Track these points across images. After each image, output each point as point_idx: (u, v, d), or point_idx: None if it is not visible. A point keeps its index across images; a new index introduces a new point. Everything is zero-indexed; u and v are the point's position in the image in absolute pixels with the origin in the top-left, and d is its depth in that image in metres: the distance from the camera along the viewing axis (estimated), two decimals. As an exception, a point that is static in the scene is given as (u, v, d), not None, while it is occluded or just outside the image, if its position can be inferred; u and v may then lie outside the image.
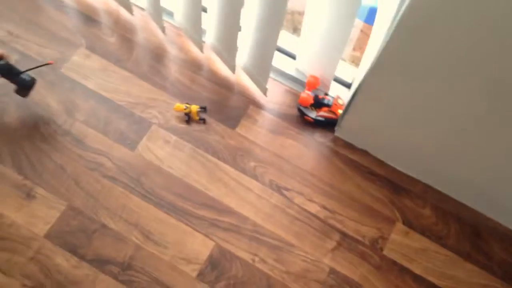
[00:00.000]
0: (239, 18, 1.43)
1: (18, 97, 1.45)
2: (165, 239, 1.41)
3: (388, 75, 1.26)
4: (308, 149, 1.60)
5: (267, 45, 1.46)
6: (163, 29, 1.70)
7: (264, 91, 1.61)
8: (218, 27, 1.56)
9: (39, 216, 1.40)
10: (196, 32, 1.62)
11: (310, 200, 1.51)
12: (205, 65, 1.69)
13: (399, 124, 1.43)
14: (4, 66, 1.35)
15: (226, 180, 1.51)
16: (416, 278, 1.44)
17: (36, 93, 1.56)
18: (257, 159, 1.56)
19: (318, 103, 1.60)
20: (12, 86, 1.42)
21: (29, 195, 1.42)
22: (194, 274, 1.38)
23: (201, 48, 1.68)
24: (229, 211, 1.47)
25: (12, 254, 1.35)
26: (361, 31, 1.77)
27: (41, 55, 1.63)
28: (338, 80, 1.67)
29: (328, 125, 1.62)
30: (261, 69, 1.56)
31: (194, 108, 1.56)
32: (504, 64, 1.02)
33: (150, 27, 1.73)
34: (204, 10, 1.57)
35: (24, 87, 1.43)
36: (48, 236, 1.38)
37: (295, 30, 1.83)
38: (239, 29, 1.50)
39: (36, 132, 1.51)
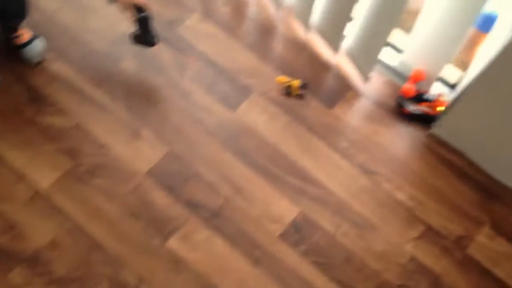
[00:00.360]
0: (351, 9, 1.50)
1: (136, 47, 1.56)
2: (253, 197, 1.47)
3: (501, 81, 1.28)
4: (401, 140, 1.62)
5: (378, 38, 1.51)
6: (277, 6, 1.79)
7: (366, 79, 1.65)
8: (328, 13, 1.63)
9: (143, 155, 1.50)
10: (305, 13, 1.69)
11: (399, 189, 1.53)
12: (308, 46, 1.75)
13: (503, 131, 1.43)
14: (146, 18, 1.46)
15: (317, 154, 1.56)
16: (498, 282, 1.41)
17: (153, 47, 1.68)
18: (350, 141, 1.59)
19: (419, 98, 1.62)
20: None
21: (137, 135, 1.53)
22: (277, 233, 1.43)
23: (307, 29, 1.74)
24: (317, 183, 1.51)
25: (115, 183, 1.45)
26: (470, 36, 1.78)
27: (160, 15, 1.75)
28: (441, 80, 1.68)
29: (424, 120, 1.64)
30: (367, 59, 1.61)
31: (296, 83, 1.63)
32: None
33: (262, 3, 1.82)
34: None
35: (145, 42, 1.53)
36: (149, 173, 1.47)
37: (402, 26, 1.87)
38: (349, 19, 1.56)
39: (147, 82, 1.62)
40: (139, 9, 1.42)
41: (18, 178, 1.43)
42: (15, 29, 1.53)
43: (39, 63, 1.59)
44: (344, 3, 1.54)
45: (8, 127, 1.49)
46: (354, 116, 1.65)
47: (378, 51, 1.55)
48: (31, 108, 1.52)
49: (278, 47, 1.74)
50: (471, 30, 1.69)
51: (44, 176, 1.43)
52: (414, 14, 1.54)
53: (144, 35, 1.50)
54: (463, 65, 1.68)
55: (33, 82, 1.56)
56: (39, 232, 1.37)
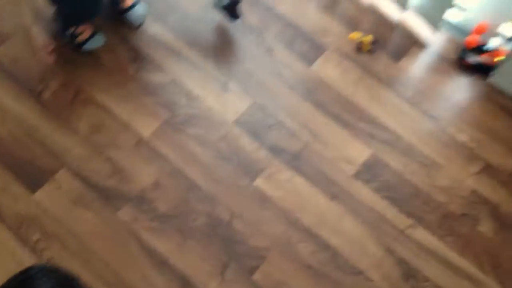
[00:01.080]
0: None
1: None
2: (329, 141, 1.65)
3: None
4: (463, 89, 1.77)
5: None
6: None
7: (437, 28, 1.79)
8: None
9: (231, 106, 1.69)
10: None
11: (461, 131, 1.68)
12: (374, 7, 1.89)
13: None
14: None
15: (386, 103, 1.72)
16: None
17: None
18: (415, 90, 1.75)
19: (480, 48, 1.75)
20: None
21: (224, 87, 1.72)
22: (351, 172, 1.61)
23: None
24: (386, 128, 1.68)
25: (207, 131, 1.65)
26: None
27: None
28: (500, 35, 1.80)
29: (483, 70, 1.77)
30: (439, 9, 1.75)
31: (367, 39, 1.78)
32: None
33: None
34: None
35: (231, 15, 1.73)
36: (236, 122, 1.67)
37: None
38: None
39: (234, 41, 1.81)
40: None
41: (123, 127, 1.65)
42: None
43: (140, 25, 1.79)
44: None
45: (114, 82, 1.71)
46: (419, 69, 1.80)
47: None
48: (133, 66, 1.73)
49: (350, 8, 1.89)
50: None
51: (146, 125, 1.65)
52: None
53: (231, 10, 1.70)
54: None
55: (135, 43, 1.77)
56: (143, 175, 1.58)
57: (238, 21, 1.75)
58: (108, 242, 1.48)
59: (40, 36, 1.72)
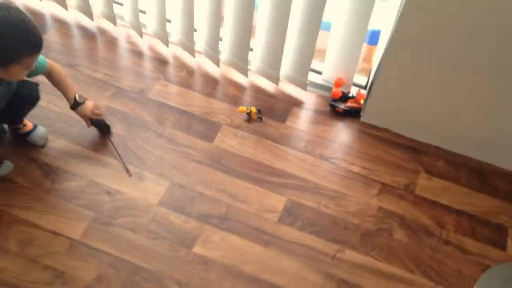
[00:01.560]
0: (284, 39, 2.00)
1: (121, 115, 1.93)
2: (248, 198, 1.83)
3: (397, 59, 1.80)
4: (342, 132, 2.09)
5: (307, 51, 2.01)
6: (217, 63, 2.25)
7: (305, 87, 2.14)
8: (264, 54, 2.12)
9: (151, 191, 1.81)
10: (243, 62, 2.17)
11: (353, 164, 1.97)
12: (251, 85, 2.22)
13: (408, 103, 1.95)
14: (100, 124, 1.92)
15: (286, 157, 1.97)
16: (445, 207, 1.86)
17: (133, 111, 2.04)
18: (306, 141, 2.03)
19: (344, 97, 2.12)
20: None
21: (140, 177, 1.85)
22: (275, 219, 1.78)
23: (246, 74, 2.21)
24: (292, 176, 1.91)
25: (135, 218, 1.74)
26: (366, 50, 2.35)
27: (133, 87, 2.14)
28: (355, 85, 2.20)
29: (354, 114, 2.12)
30: (302, 71, 2.10)
31: (253, 109, 2.06)
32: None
33: (203, 64, 2.28)
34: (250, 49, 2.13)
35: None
36: (160, 203, 1.78)
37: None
38: (283, 49, 2.05)
39: (138, 136, 1.97)
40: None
41: (53, 235, 1.66)
42: (21, 121, 1.83)
43: (44, 145, 1.88)
44: (276, 36, 2.03)
45: (33, 199, 1.75)
46: (303, 123, 2.10)
47: (309, 60, 2.06)
48: (47, 180, 1.80)
49: (228, 90, 2.18)
50: (365, 46, 2.26)
51: (74, 228, 1.69)
52: (322, 51, 2.08)
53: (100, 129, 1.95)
54: (366, 71, 2.23)
55: (44, 160, 1.85)
56: (84, 273, 1.58)
57: (111, 134, 1.97)
58: None
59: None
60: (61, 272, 1.58)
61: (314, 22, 1.91)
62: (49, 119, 1.98)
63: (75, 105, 1.82)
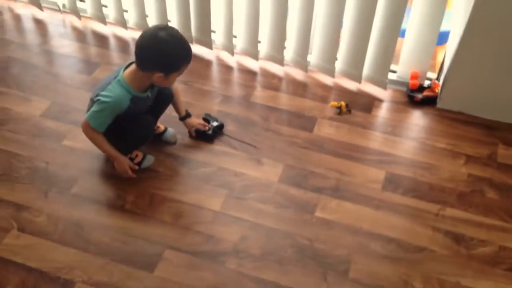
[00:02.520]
0: (367, 44, 2.35)
1: (231, 116, 2.28)
2: (353, 173, 2.12)
3: (471, 49, 2.13)
4: (422, 117, 2.40)
5: (387, 54, 2.36)
6: (305, 70, 2.60)
7: (385, 86, 2.47)
8: (349, 57, 2.47)
9: (270, 172, 2.11)
10: (330, 65, 2.52)
11: (437, 141, 2.27)
12: (335, 85, 2.56)
13: (483, 86, 2.26)
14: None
15: (377, 139, 2.28)
16: (526, 169, 2.13)
17: (241, 113, 2.39)
18: (392, 126, 2.34)
19: (421, 88, 2.44)
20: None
21: (259, 163, 2.16)
22: (379, 188, 2.07)
23: (333, 75, 2.56)
24: (386, 154, 2.21)
25: (262, 193, 2.03)
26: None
27: (236, 94, 2.49)
28: (427, 79, 2.53)
29: (431, 102, 2.43)
30: (382, 72, 2.44)
31: (343, 103, 2.39)
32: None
33: (291, 72, 2.64)
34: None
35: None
36: (280, 181, 2.08)
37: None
38: (365, 52, 2.40)
39: (249, 131, 2.31)
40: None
41: (198, 208, 1.98)
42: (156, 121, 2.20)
43: (175, 142, 2.23)
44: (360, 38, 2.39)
45: (175, 183, 2.09)
46: (386, 113, 2.42)
47: (387, 69, 2.39)
48: (184, 168, 2.14)
49: (316, 90, 2.53)
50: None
51: (213, 203, 2.00)
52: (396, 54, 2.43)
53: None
54: (433, 67, 2.56)
55: (177, 153, 2.20)
56: (229, 235, 1.86)
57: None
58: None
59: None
60: (210, 236, 1.89)
61: (395, 28, 2.26)
62: (174, 124, 2.33)
63: (185, 117, 2.22)
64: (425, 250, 1.86)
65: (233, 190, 2.06)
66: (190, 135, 2.26)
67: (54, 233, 1.87)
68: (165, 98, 2.12)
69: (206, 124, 2.27)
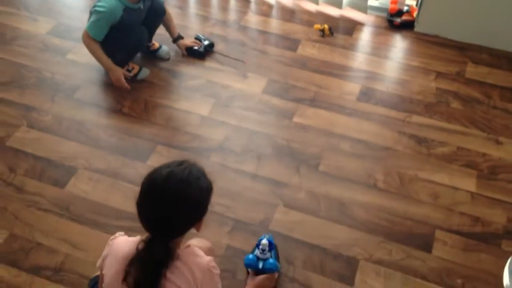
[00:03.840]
0: None
1: (222, 38, 2.46)
2: (330, 86, 2.32)
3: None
4: (401, 40, 2.58)
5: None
6: (292, -2, 2.77)
7: (365, 10, 2.64)
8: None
9: (254, 84, 2.32)
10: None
11: (412, 60, 2.45)
12: (319, 12, 2.72)
13: (456, 9, 2.41)
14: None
15: (356, 58, 2.46)
16: (491, 85, 2.32)
17: (231, 35, 2.57)
18: (371, 47, 2.53)
19: (400, 12, 2.60)
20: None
21: (245, 76, 2.37)
22: (354, 99, 2.26)
23: (317, 2, 2.72)
24: (364, 71, 2.40)
25: (246, 102, 2.25)
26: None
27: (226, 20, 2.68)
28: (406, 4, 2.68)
29: (409, 26, 2.60)
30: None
31: (326, 26, 2.56)
32: None
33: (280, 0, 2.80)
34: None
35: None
36: (263, 92, 2.29)
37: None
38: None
39: (241, 47, 2.50)
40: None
41: (186, 114, 2.20)
42: (151, 39, 2.39)
43: (169, 59, 2.45)
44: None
45: (168, 92, 2.30)
46: (367, 36, 2.59)
47: None
48: (175, 80, 2.35)
49: (302, 16, 2.69)
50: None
51: (202, 109, 2.22)
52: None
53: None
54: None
55: (170, 68, 2.41)
56: (216, 136, 2.11)
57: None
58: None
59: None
60: (198, 135, 2.11)
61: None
62: (168, 43, 2.53)
63: (177, 39, 2.42)
64: (389, 149, 2.07)
65: (220, 99, 2.27)
66: (183, 55, 2.45)
67: (59, 129, 2.11)
68: (157, 13, 2.31)
69: (198, 42, 2.46)
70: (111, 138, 2.09)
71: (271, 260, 1.60)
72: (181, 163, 1.19)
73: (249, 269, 1.63)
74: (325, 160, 2.03)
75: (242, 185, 1.94)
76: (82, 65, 2.38)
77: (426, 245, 1.78)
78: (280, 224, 1.83)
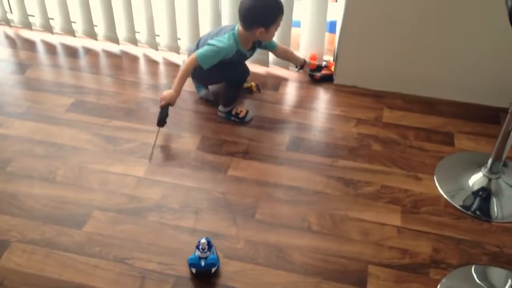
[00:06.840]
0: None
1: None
2: (261, 139, 2.44)
3: (351, 31, 2.52)
4: (322, 92, 2.76)
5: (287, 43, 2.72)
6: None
7: (288, 68, 2.83)
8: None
9: (189, 143, 2.41)
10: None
11: (334, 110, 2.63)
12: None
13: (369, 62, 2.65)
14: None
15: (284, 111, 2.61)
16: (406, 126, 2.52)
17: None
18: (296, 100, 2.70)
19: (319, 67, 2.81)
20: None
21: (179, 136, 2.45)
22: (284, 149, 2.39)
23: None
24: (292, 122, 2.54)
25: (181, 160, 2.32)
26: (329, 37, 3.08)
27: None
28: (324, 61, 2.91)
29: (329, 79, 2.81)
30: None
31: (253, 84, 2.72)
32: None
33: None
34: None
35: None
36: (197, 149, 2.37)
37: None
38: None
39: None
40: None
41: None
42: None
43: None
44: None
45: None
46: (291, 90, 2.78)
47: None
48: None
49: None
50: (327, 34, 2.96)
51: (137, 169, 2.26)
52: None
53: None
54: (331, 51, 2.95)
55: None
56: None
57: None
58: None
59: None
60: (134, 196, 2.14)
61: (288, 21, 2.63)
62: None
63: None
64: (320, 193, 2.19)
65: (154, 159, 2.33)
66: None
67: (-10, 202, 2.08)
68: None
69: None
70: (45, 207, 2.08)
71: (211, 256, 1.83)
72: None
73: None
74: (260, 209, 2.11)
75: (181, 241, 1.97)
76: (13, 137, 2.38)
77: (360, 281, 1.86)
78: (220, 275, 1.86)
